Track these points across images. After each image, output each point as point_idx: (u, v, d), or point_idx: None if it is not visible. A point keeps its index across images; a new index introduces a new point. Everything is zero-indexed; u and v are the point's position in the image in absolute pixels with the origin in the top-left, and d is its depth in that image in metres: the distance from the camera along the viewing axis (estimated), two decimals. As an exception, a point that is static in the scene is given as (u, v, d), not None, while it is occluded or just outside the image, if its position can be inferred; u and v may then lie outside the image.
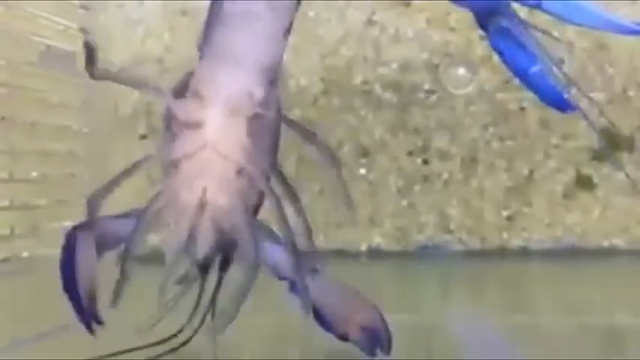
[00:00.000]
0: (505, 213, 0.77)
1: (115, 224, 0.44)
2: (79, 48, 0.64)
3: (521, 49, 0.48)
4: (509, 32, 0.48)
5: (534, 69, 0.48)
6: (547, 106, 0.50)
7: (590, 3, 0.47)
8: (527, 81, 0.49)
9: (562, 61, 0.76)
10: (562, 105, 0.50)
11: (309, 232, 0.42)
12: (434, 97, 0.76)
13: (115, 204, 0.72)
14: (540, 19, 0.50)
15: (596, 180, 0.76)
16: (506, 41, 0.48)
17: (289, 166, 0.72)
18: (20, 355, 0.44)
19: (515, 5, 0.48)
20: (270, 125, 0.42)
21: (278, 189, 0.42)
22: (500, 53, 0.49)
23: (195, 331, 0.41)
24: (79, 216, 0.65)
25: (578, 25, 0.49)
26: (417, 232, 0.77)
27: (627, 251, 0.75)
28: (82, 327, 0.44)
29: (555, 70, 0.48)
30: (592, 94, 0.77)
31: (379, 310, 0.44)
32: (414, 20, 0.76)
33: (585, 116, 0.50)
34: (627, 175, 0.71)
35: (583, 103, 0.67)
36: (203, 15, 0.76)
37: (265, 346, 0.47)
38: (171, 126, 0.42)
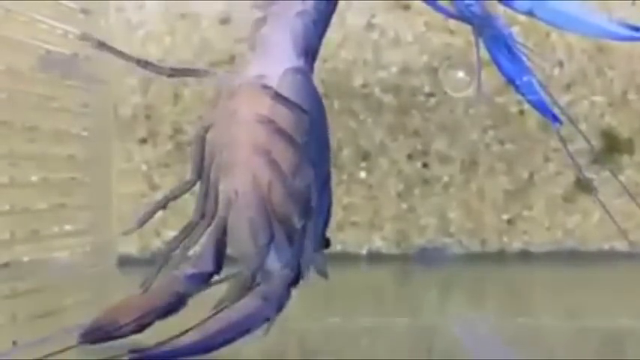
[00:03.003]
0: (505, 216, 0.77)
1: None
2: (79, 52, 0.64)
3: (512, 59, 0.49)
4: (500, 42, 0.48)
5: (524, 79, 0.49)
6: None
7: (585, 10, 0.47)
8: (518, 89, 0.50)
9: (561, 64, 0.76)
10: (549, 117, 0.50)
11: None
12: (433, 100, 0.76)
13: (116, 206, 0.72)
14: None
15: (596, 183, 0.76)
16: (498, 50, 0.49)
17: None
18: (21, 360, 0.44)
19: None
20: None
21: None
22: (494, 59, 0.50)
23: None
24: (80, 220, 0.66)
25: (572, 32, 0.50)
26: (417, 235, 0.77)
27: (627, 254, 0.75)
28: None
29: (541, 86, 0.49)
30: (592, 97, 0.77)
31: None
32: (414, 23, 0.76)
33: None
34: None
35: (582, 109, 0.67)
36: (202, 18, 0.76)
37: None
38: None
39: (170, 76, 0.46)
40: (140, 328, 0.43)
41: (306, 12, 0.46)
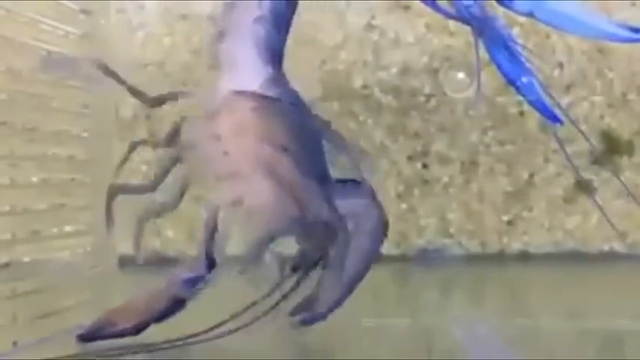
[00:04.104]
0: (505, 217, 0.77)
1: None
2: (79, 53, 0.64)
3: (512, 60, 0.49)
4: (500, 43, 0.49)
5: (524, 80, 0.49)
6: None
7: (585, 12, 0.48)
8: (518, 89, 0.50)
9: (561, 65, 0.76)
10: (550, 117, 0.50)
11: None
12: (433, 101, 0.76)
13: (116, 207, 0.72)
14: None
15: (595, 184, 0.76)
16: (498, 51, 0.49)
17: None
18: (21, 360, 0.45)
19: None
20: None
21: None
22: (494, 60, 0.50)
23: None
24: (80, 221, 0.66)
25: (572, 34, 0.50)
26: (417, 236, 0.77)
27: (627, 255, 0.75)
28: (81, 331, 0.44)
29: (541, 87, 0.49)
30: (592, 98, 0.77)
31: None
32: (414, 24, 0.76)
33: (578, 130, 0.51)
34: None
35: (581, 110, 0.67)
36: (203, 19, 0.76)
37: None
38: None
39: (152, 106, 0.47)
40: (137, 331, 0.44)
41: (263, 17, 0.46)
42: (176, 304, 0.44)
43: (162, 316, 0.44)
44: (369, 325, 0.51)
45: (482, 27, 0.49)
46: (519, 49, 0.49)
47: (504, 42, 0.49)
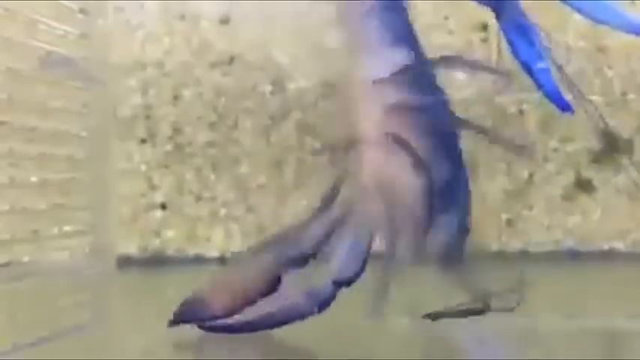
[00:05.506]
0: (505, 216, 0.77)
1: None
2: (78, 53, 0.64)
3: (530, 44, 0.48)
4: (520, 25, 0.48)
5: (540, 65, 0.49)
6: (550, 102, 0.51)
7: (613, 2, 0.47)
8: (532, 76, 0.50)
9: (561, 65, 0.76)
10: (562, 105, 0.50)
11: None
12: (433, 100, 0.76)
13: (115, 207, 0.72)
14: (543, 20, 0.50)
15: (595, 183, 0.76)
16: (516, 34, 0.49)
17: (289, 168, 0.72)
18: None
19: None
20: None
21: None
22: (511, 44, 0.49)
23: None
24: (79, 220, 0.66)
25: (598, 21, 0.49)
26: (416, 235, 0.77)
27: (627, 254, 0.75)
28: (80, 331, 0.44)
29: (557, 72, 0.49)
30: (591, 97, 0.77)
31: None
32: (414, 23, 0.76)
33: (590, 116, 0.51)
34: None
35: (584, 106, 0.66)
36: (202, 19, 0.76)
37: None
38: None
39: None
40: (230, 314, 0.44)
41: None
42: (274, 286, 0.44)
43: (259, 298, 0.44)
44: (368, 325, 0.51)
45: (501, 10, 0.49)
46: (537, 33, 0.49)
47: (523, 26, 0.49)
